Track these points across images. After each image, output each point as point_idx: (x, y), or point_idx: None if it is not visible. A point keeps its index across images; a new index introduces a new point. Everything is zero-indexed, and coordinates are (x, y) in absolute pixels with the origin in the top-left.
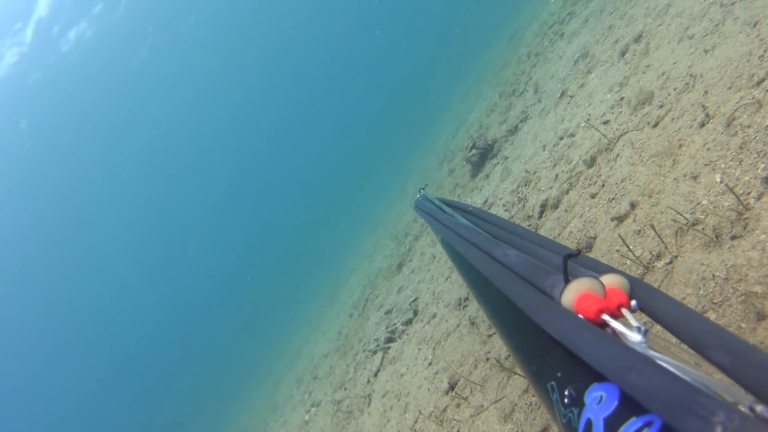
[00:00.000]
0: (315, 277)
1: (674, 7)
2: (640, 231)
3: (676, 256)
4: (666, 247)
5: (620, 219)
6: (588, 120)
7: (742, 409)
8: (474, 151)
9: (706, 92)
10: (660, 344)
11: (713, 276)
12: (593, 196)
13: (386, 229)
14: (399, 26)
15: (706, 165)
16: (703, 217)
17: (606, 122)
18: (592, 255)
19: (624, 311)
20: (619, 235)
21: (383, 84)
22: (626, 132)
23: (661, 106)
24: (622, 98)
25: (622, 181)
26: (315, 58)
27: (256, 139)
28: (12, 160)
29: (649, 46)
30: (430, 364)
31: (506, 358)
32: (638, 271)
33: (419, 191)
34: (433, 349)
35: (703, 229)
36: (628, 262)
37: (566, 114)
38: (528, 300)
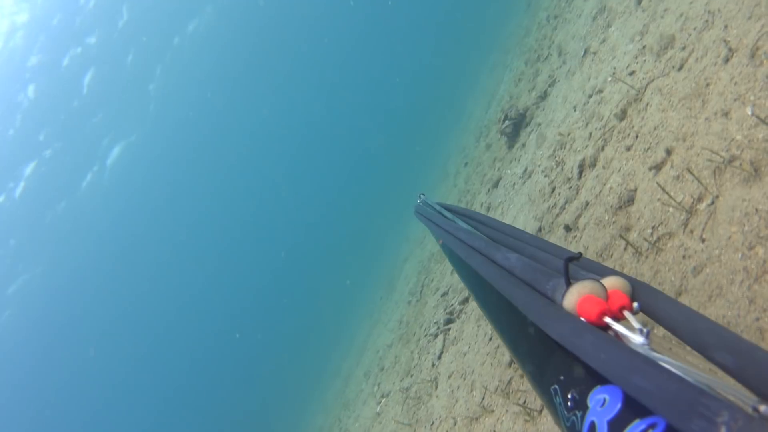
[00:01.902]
0: (371, 272)
1: None
2: (678, 176)
3: (717, 196)
4: (706, 189)
5: (658, 167)
6: (614, 74)
7: (746, 409)
8: (507, 122)
9: (726, 27)
10: (662, 345)
11: (756, 210)
12: (629, 149)
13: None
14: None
15: (735, 100)
16: (739, 152)
17: (632, 73)
18: (635, 209)
19: (626, 313)
20: (657, 183)
21: (410, 71)
22: (653, 80)
23: (683, 48)
24: (644, 47)
25: (655, 129)
26: (342, 47)
27: (308, 136)
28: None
29: None
30: (490, 339)
31: None
32: (682, 217)
33: (419, 197)
34: None
35: (741, 164)
36: (671, 209)
37: (592, 71)
38: (529, 303)
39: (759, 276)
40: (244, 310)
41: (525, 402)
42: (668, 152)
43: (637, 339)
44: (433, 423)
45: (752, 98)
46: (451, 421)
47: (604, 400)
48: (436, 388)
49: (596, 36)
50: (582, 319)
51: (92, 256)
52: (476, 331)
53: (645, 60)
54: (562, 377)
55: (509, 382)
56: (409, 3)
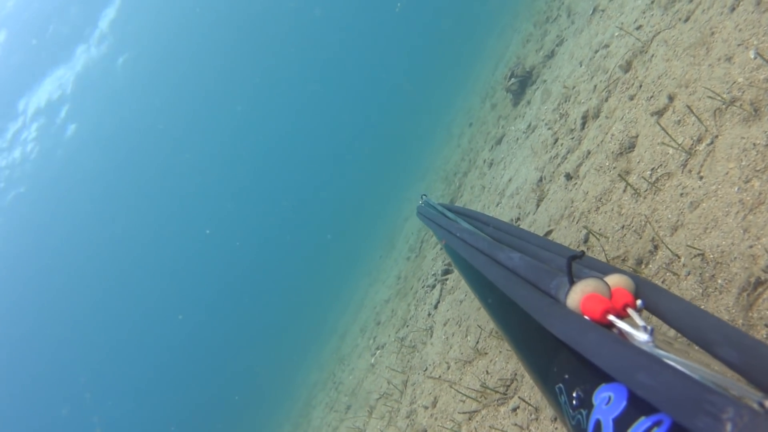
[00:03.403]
0: (372, 232)
1: None
2: (680, 121)
3: (717, 136)
4: (706, 129)
5: (660, 113)
6: (621, 28)
7: (752, 405)
8: (513, 80)
9: None
10: (667, 343)
11: (754, 145)
12: (632, 98)
13: (436, 172)
14: None
15: (739, 45)
16: (740, 94)
17: (639, 27)
18: (635, 154)
19: (630, 311)
20: (658, 123)
21: (419, 32)
22: (659, 32)
23: (691, 1)
24: (652, 2)
25: (659, 78)
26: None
27: (313, 112)
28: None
29: None
30: None
31: None
32: (681, 158)
33: (421, 197)
34: None
35: (741, 105)
36: (671, 151)
37: (599, 28)
38: (533, 303)
39: (754, 207)
40: (244, 275)
41: None
42: (671, 98)
43: (641, 337)
44: (426, 369)
45: (756, 42)
46: (445, 366)
47: (609, 398)
48: (432, 336)
49: None
50: (586, 317)
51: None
52: None
53: (653, 14)
54: (566, 376)
55: None
56: None
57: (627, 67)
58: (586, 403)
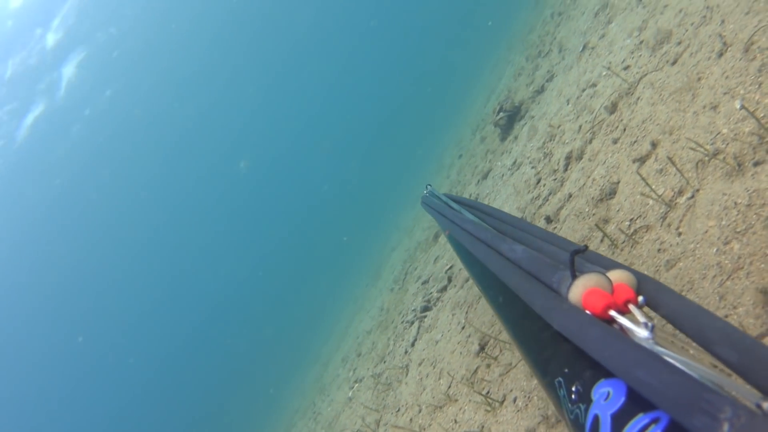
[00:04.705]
0: (359, 260)
1: None
2: (662, 170)
3: (698, 190)
4: (688, 182)
5: (642, 160)
6: (608, 68)
7: (749, 405)
8: (501, 114)
9: (723, 21)
10: (667, 340)
11: (735, 204)
12: (615, 142)
13: None
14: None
15: (725, 93)
16: (724, 146)
17: (626, 67)
18: (615, 201)
19: (631, 307)
20: (639, 174)
21: (415, 65)
22: (646, 74)
23: (679, 43)
24: (641, 42)
25: (643, 122)
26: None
27: (299, 127)
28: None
29: None
30: (463, 327)
31: None
32: (661, 210)
33: (426, 187)
34: (466, 312)
35: (725, 158)
36: (651, 202)
37: (588, 66)
38: (535, 296)
39: (732, 272)
40: (231, 297)
41: (488, 392)
42: (654, 145)
43: (641, 333)
44: (399, 410)
45: (742, 92)
46: (417, 409)
47: (608, 393)
48: (407, 374)
49: (596, 32)
50: (587, 312)
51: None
52: (450, 319)
53: (641, 55)
54: (566, 370)
55: (475, 371)
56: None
57: (612, 108)
58: (584, 398)
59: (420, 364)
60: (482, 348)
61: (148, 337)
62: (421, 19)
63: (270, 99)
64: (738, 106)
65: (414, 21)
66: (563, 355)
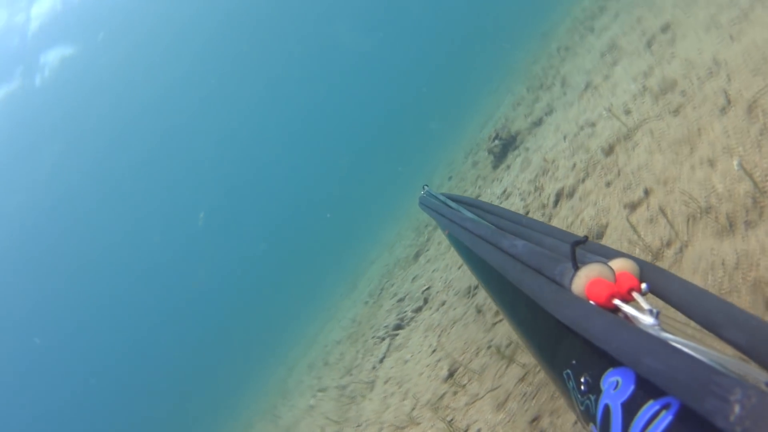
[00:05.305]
0: (338, 268)
1: None
2: (652, 219)
3: (687, 244)
4: (677, 235)
5: (633, 207)
6: (610, 110)
7: (759, 385)
8: (496, 141)
9: (729, 78)
10: (673, 326)
11: (723, 263)
12: (608, 185)
13: (409, 220)
14: (430, 24)
15: (724, 151)
16: (717, 203)
17: (628, 112)
18: (602, 243)
19: (635, 295)
20: (629, 221)
21: (414, 81)
22: (647, 121)
23: (683, 94)
24: (645, 88)
25: (639, 169)
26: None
27: (284, 132)
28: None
29: (676, 36)
30: (434, 351)
31: (507, 347)
32: (647, 259)
33: (423, 188)
34: (439, 336)
35: (717, 216)
36: (638, 249)
37: (589, 105)
38: (538, 289)
39: None
40: (206, 293)
41: (452, 420)
42: (647, 193)
43: (647, 320)
44: (360, 425)
45: (741, 152)
46: (378, 426)
47: (617, 382)
48: (372, 390)
49: (601, 72)
50: (591, 302)
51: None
52: (422, 341)
53: (643, 101)
54: (574, 362)
55: (441, 396)
56: (427, 16)
57: (609, 151)
58: (594, 389)
59: (386, 382)
60: (451, 374)
61: (111, 335)
62: (427, 31)
63: (269, 99)
64: (736, 166)
65: (418, 32)
66: (570, 346)
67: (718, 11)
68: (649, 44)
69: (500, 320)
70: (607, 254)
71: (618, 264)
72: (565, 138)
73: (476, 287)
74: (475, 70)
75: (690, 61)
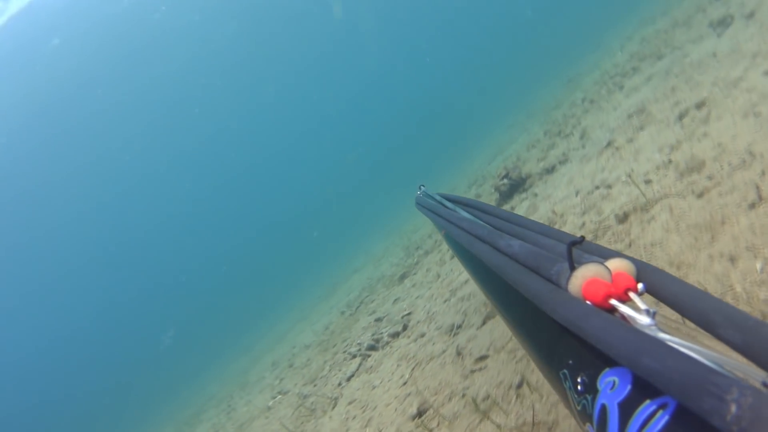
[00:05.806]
0: (320, 268)
1: (745, 82)
2: (658, 302)
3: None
4: (684, 323)
5: None
6: (629, 175)
7: (756, 384)
8: (505, 180)
9: (763, 173)
10: (669, 326)
11: None
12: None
13: (400, 237)
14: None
15: (747, 249)
16: (733, 304)
17: (648, 181)
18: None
19: (631, 295)
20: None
21: (432, 101)
22: (667, 196)
23: (710, 178)
24: (670, 161)
25: (652, 245)
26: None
27: (283, 137)
28: None
29: (711, 115)
30: (405, 383)
31: (483, 400)
32: None
33: (419, 188)
34: (412, 369)
35: None
36: None
37: (608, 165)
38: (534, 289)
39: None
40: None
41: None
42: None
43: (643, 320)
44: None
45: (766, 254)
46: None
47: (614, 382)
48: (333, 408)
49: (625, 133)
50: (588, 302)
51: None
52: (394, 369)
53: (666, 174)
54: (570, 361)
55: None
56: (451, 46)
57: (623, 218)
58: (590, 388)
59: (350, 403)
60: (420, 414)
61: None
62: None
63: (268, 101)
64: (759, 269)
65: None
66: (566, 346)
67: (761, 101)
68: (680, 117)
69: (479, 368)
70: (603, 254)
71: (614, 264)
72: (577, 193)
73: (460, 326)
74: (496, 101)
75: (722, 145)
